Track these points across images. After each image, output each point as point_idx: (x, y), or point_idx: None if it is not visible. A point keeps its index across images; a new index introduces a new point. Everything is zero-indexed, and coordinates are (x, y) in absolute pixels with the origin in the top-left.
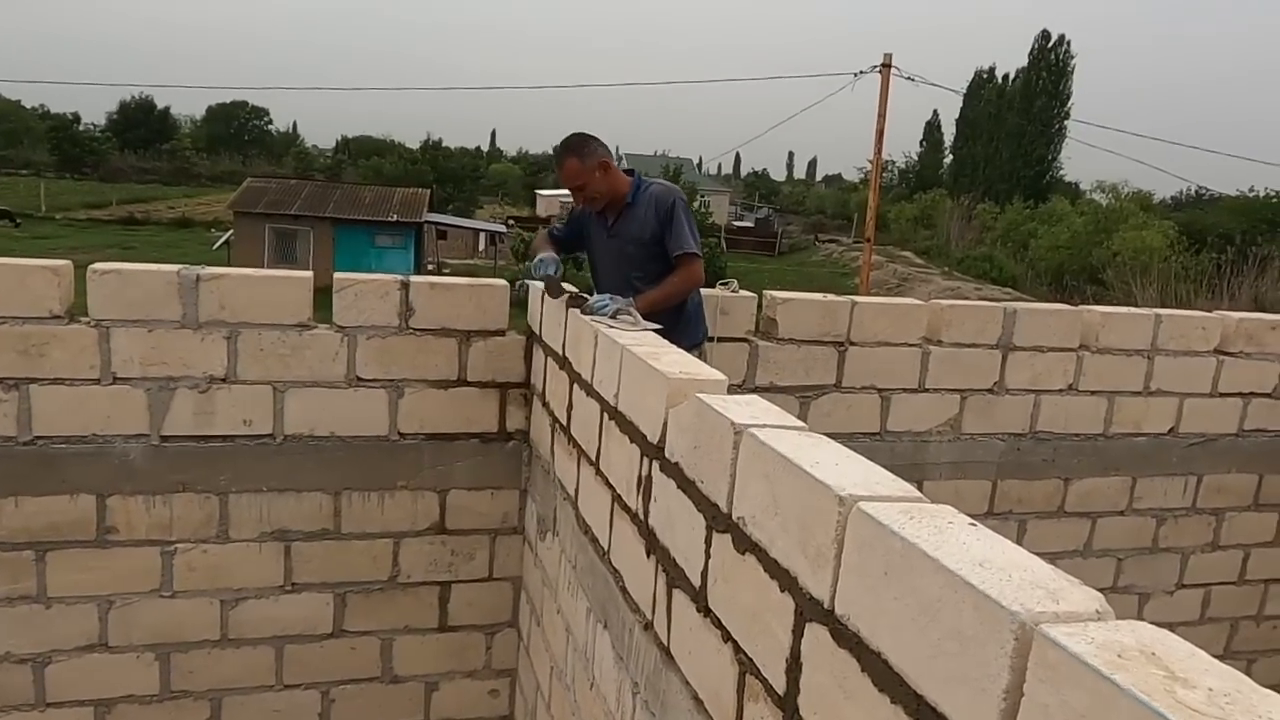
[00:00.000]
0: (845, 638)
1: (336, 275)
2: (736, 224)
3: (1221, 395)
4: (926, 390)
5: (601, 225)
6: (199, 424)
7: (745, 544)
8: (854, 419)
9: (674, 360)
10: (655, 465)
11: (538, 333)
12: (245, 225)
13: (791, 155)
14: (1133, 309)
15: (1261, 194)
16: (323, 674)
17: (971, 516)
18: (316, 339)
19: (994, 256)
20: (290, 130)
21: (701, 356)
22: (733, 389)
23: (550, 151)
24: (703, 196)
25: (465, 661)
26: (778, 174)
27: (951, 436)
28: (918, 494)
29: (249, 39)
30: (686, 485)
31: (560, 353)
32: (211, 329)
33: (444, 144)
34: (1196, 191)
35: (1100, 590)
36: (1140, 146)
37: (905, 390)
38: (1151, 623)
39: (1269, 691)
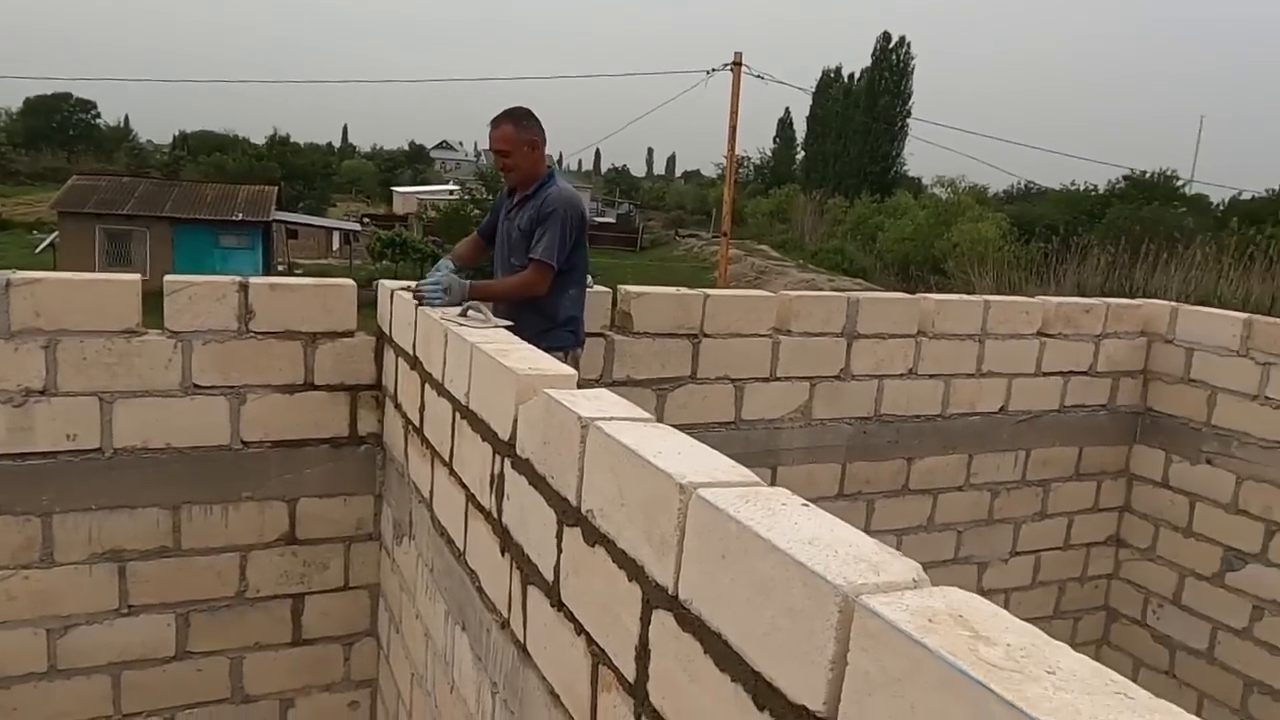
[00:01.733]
0: (689, 622)
1: (167, 278)
2: (598, 220)
3: (1045, 374)
4: (778, 379)
5: (507, 206)
6: (15, 441)
7: (595, 536)
8: (709, 409)
9: (524, 357)
10: (507, 463)
11: (388, 333)
12: (72, 226)
13: (651, 151)
14: (964, 296)
15: (1082, 188)
16: (166, 699)
17: (823, 498)
18: (147, 346)
19: (845, 249)
20: (121, 124)
21: (572, 364)
22: (590, 384)
23: (406, 147)
24: None
25: (322, 675)
26: (638, 170)
27: (803, 423)
28: (755, 479)
29: (73, 26)
30: (538, 481)
31: (411, 353)
32: (26, 338)
33: (292, 139)
34: (1026, 185)
35: (942, 562)
36: (976, 144)
37: (758, 379)
38: (988, 590)
39: (1060, 644)
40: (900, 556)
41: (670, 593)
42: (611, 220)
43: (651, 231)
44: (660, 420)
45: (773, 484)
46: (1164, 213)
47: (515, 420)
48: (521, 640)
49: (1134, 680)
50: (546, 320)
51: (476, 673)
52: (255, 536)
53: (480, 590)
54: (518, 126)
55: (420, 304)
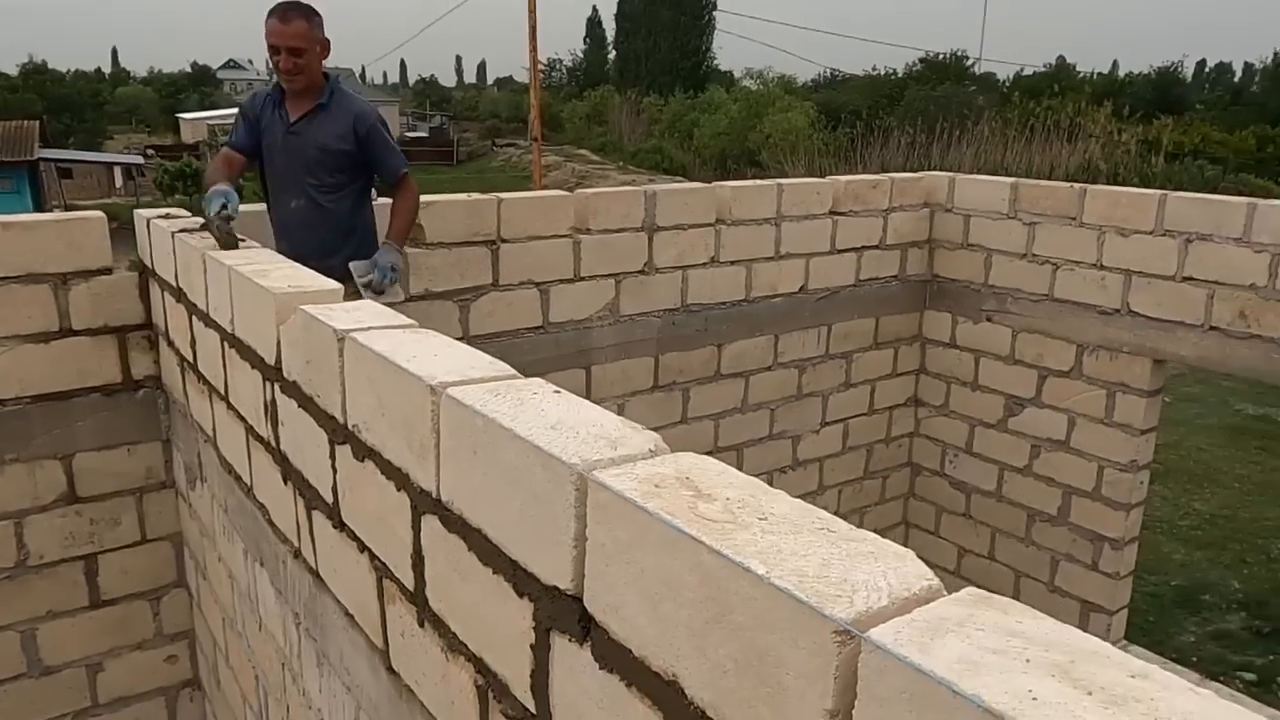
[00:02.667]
0: (453, 523)
1: None
2: (410, 135)
3: (839, 252)
4: (582, 279)
5: (280, 120)
6: None
7: (363, 450)
8: (516, 315)
9: (284, 275)
10: (277, 388)
11: (151, 267)
12: None
13: (460, 60)
14: (758, 181)
15: (883, 72)
16: None
17: (639, 392)
18: None
19: (663, 148)
20: None
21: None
22: (386, 301)
23: (188, 69)
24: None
25: (131, 634)
26: (447, 80)
27: (611, 320)
28: (512, 372)
29: None
30: (306, 402)
31: (175, 284)
32: None
33: (51, 66)
34: (831, 73)
35: (758, 440)
36: (782, 34)
37: (562, 281)
38: (803, 460)
39: (778, 493)
40: (642, 431)
41: (434, 496)
42: (424, 135)
43: (468, 143)
44: (466, 331)
45: (588, 384)
46: (956, 92)
47: (278, 342)
48: (314, 567)
49: (936, 524)
50: (341, 239)
51: (279, 606)
52: (29, 500)
53: (271, 523)
54: (311, 23)
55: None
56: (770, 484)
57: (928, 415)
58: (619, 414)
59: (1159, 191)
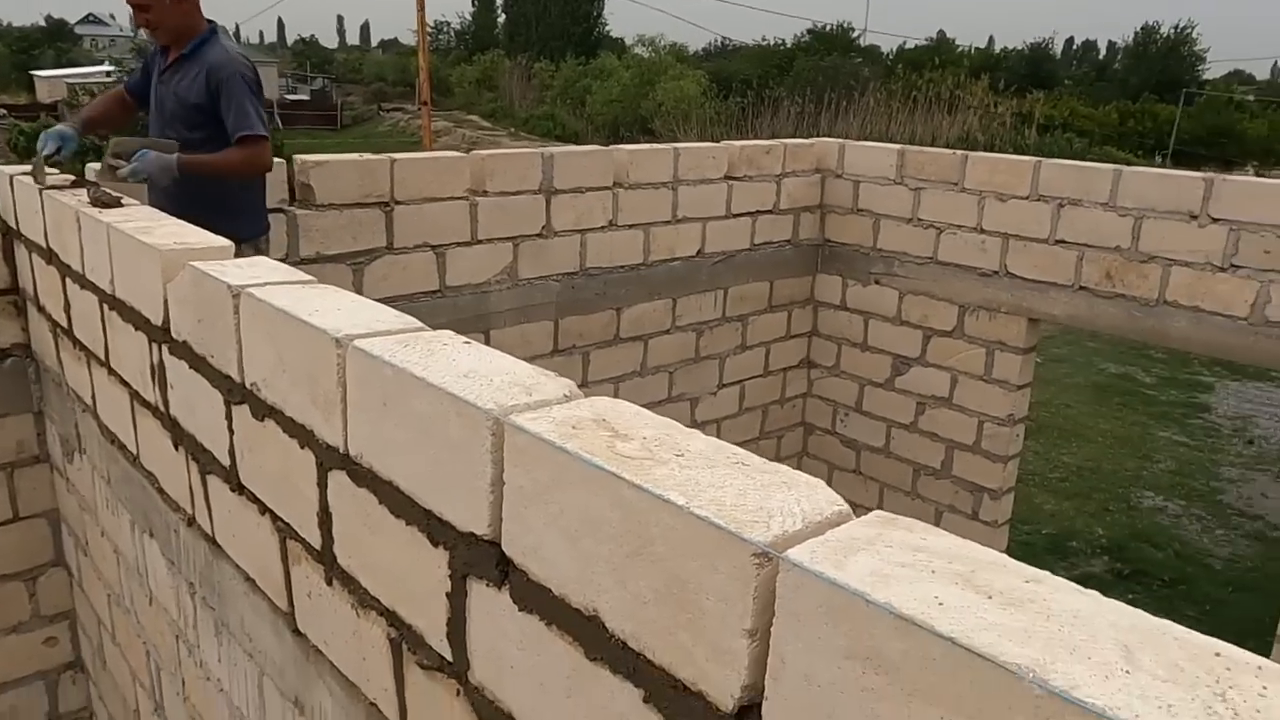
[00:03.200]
0: (362, 477)
1: None
2: (290, 98)
3: (734, 216)
4: (480, 242)
5: (158, 67)
6: None
7: (263, 409)
8: (411, 279)
9: (170, 232)
10: (165, 349)
11: (15, 227)
12: None
13: (341, 19)
14: (656, 145)
15: (772, 42)
16: None
17: (538, 356)
18: None
19: (555, 114)
20: None
21: (263, 253)
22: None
23: (43, 22)
24: None
25: (4, 617)
26: (328, 41)
27: (510, 284)
28: (419, 325)
29: None
30: (199, 363)
31: (45, 245)
32: None
33: None
34: (722, 42)
35: (657, 402)
36: (673, 1)
37: (459, 244)
38: (700, 421)
39: (693, 432)
40: (555, 377)
41: (341, 451)
42: (306, 98)
43: (352, 107)
44: (362, 295)
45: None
46: (842, 63)
47: (166, 301)
48: (210, 533)
49: (829, 481)
50: (217, 209)
51: (172, 577)
52: None
53: (161, 491)
54: None
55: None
56: None
57: (820, 376)
58: None
59: (1034, 158)
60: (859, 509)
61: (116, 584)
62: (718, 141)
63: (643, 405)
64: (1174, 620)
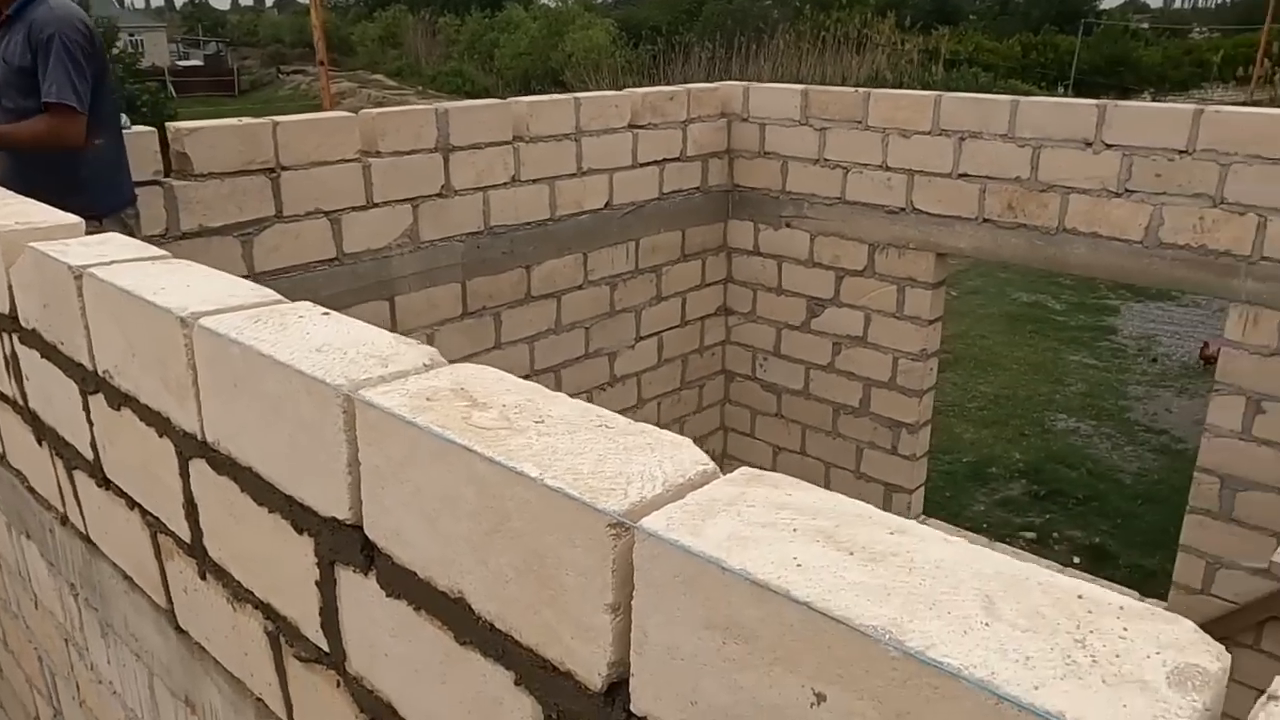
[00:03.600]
0: (221, 464)
1: None
2: (182, 64)
3: (641, 165)
4: (376, 205)
5: None
6: None
7: (118, 398)
8: (305, 248)
9: (13, 211)
10: (16, 339)
11: None
12: None
13: None
14: (555, 96)
15: None
16: None
17: (448, 320)
18: None
19: (464, 70)
20: None
21: (131, 229)
22: (157, 240)
23: None
24: (132, 36)
25: None
26: (220, 2)
27: (412, 247)
28: (276, 298)
29: None
30: (50, 351)
31: None
32: None
33: None
34: None
35: (575, 359)
36: None
37: (354, 209)
38: (620, 375)
39: (558, 395)
40: (416, 345)
41: (199, 438)
42: (199, 63)
43: (250, 71)
44: (252, 268)
45: (393, 315)
46: (751, 5)
47: (10, 287)
48: (84, 531)
49: (752, 427)
50: (65, 182)
51: (54, 579)
52: None
53: (31, 489)
54: None
55: None
56: (590, 403)
57: (737, 323)
58: (429, 344)
59: (934, 93)
60: (782, 452)
61: (2, 589)
62: (628, 89)
63: (560, 363)
64: (1088, 537)
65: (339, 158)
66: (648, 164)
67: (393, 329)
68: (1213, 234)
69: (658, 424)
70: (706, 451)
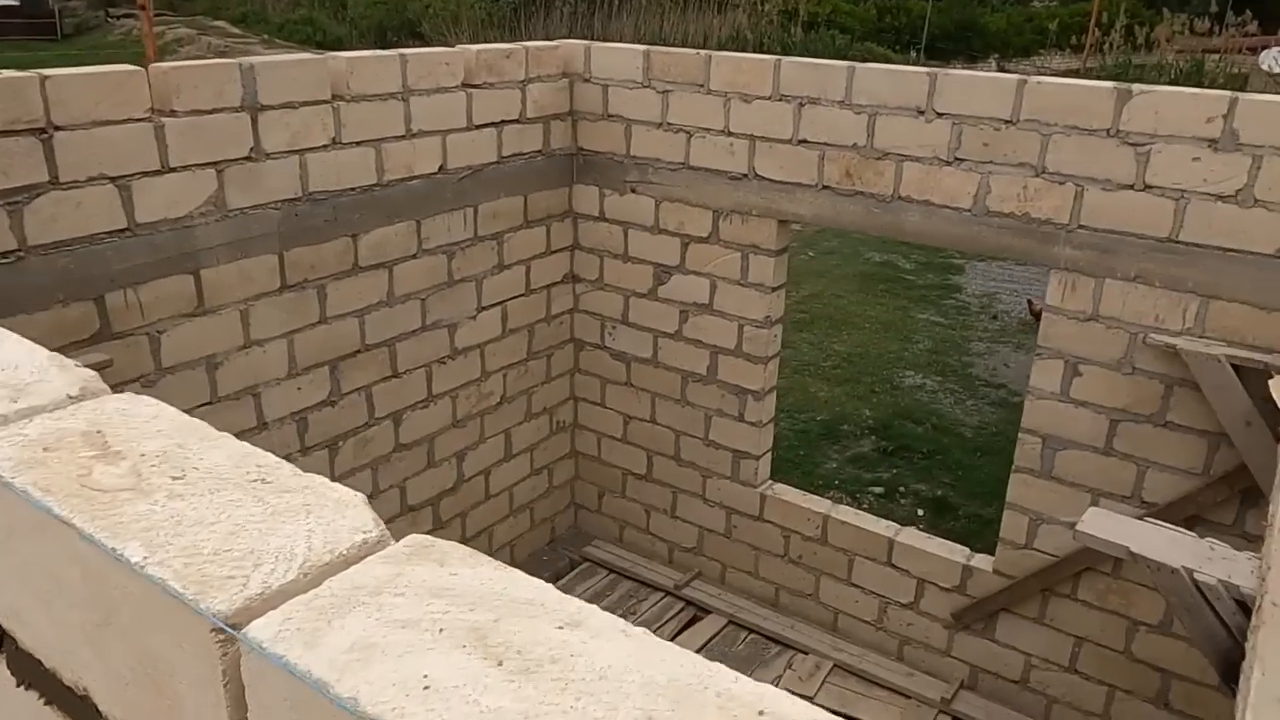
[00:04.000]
0: None
1: None
2: None
3: (478, 127)
4: (174, 170)
5: None
6: None
7: None
8: (89, 219)
9: None
10: None
11: None
12: None
13: None
14: (378, 52)
15: None
16: None
17: (266, 294)
18: None
19: (315, 18)
20: None
21: None
22: None
23: None
24: None
25: None
26: None
27: (219, 216)
28: None
29: None
30: None
31: None
32: None
33: None
34: None
35: (411, 332)
36: None
37: (147, 174)
38: (461, 348)
39: (220, 438)
40: (72, 369)
41: None
42: (14, 3)
43: (74, 14)
44: (24, 241)
45: (199, 290)
46: None
47: None
48: None
49: (602, 396)
50: None
51: None
52: None
53: None
54: None
55: None
56: (430, 377)
57: (585, 290)
58: (243, 321)
59: (774, 57)
60: (633, 420)
61: None
62: (490, 42)
63: (394, 337)
64: (931, 490)
65: (125, 117)
66: (485, 126)
67: (200, 305)
68: (1035, 203)
69: (504, 396)
70: (557, 423)
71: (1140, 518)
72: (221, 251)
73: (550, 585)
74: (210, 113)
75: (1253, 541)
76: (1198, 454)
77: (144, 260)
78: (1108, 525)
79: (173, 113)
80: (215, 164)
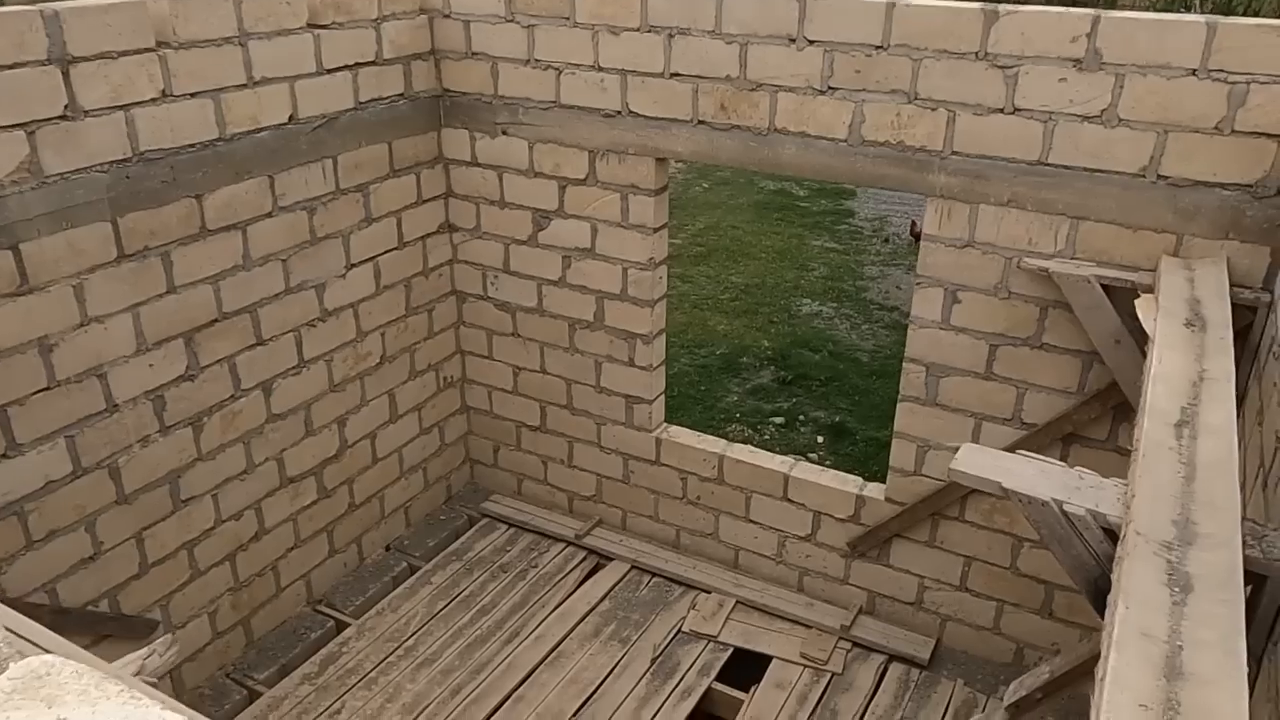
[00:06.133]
0: None
1: None
2: None
3: (330, 72)
4: None
5: None
6: None
7: None
8: None
9: None
10: None
11: None
12: None
13: None
14: None
15: None
16: None
17: (101, 266)
18: None
19: None
20: None
21: None
22: None
23: None
24: None
25: None
26: None
27: (34, 183)
28: None
29: None
30: None
31: None
32: None
33: None
34: None
35: (274, 296)
36: None
37: None
38: (332, 309)
39: None
40: None
41: None
42: None
43: None
44: None
45: (20, 267)
46: None
47: None
48: None
49: (490, 348)
50: None
51: None
52: None
53: None
54: None
55: None
56: (299, 342)
57: (463, 240)
58: (76, 297)
59: None
60: (523, 371)
61: None
62: None
63: (255, 303)
64: (829, 417)
65: None
66: (337, 69)
67: (23, 283)
68: (909, 130)
69: (384, 356)
70: (444, 379)
71: (1020, 440)
72: (43, 222)
73: None
74: (11, 68)
75: (1125, 456)
76: (1072, 374)
77: None
78: (980, 461)
79: None
80: (24, 125)
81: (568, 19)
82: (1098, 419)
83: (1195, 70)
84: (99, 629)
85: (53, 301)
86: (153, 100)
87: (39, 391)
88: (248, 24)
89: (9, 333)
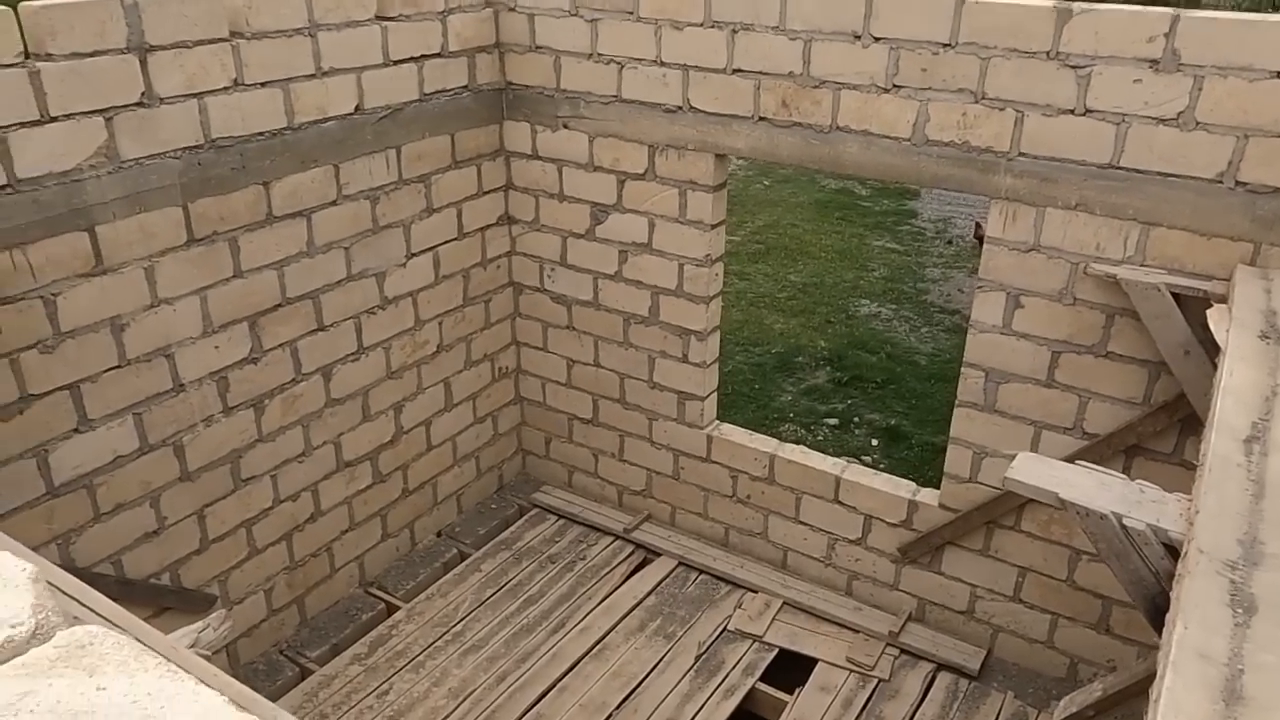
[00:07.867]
0: None
1: None
2: None
3: (396, 63)
4: (55, 119)
5: None
6: None
7: None
8: None
9: None
10: None
11: None
12: None
13: None
14: None
15: None
16: None
17: (172, 249)
18: None
19: None
20: None
21: None
22: None
23: None
24: None
25: None
26: None
27: (111, 168)
28: None
29: None
30: None
31: None
32: None
33: None
34: None
35: (337, 283)
36: None
37: (24, 125)
38: (393, 296)
39: None
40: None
41: None
42: None
43: None
44: None
45: (96, 248)
46: None
47: None
48: None
49: (544, 340)
50: None
51: None
52: None
53: None
54: None
55: None
56: (359, 329)
57: (521, 232)
58: (148, 279)
59: None
60: (576, 364)
61: None
62: None
63: (318, 289)
64: (885, 419)
65: None
66: (403, 61)
67: (98, 264)
68: (975, 130)
69: (441, 345)
70: (499, 369)
71: (1081, 450)
72: (118, 206)
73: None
74: (91, 55)
75: (1190, 470)
76: (1138, 384)
77: (29, 219)
78: (1037, 470)
79: (49, 56)
80: (103, 111)
81: (631, 14)
82: (1163, 431)
83: (1279, 72)
84: (160, 601)
85: (125, 283)
86: (225, 89)
87: (110, 369)
88: (318, 15)
89: (84, 311)
